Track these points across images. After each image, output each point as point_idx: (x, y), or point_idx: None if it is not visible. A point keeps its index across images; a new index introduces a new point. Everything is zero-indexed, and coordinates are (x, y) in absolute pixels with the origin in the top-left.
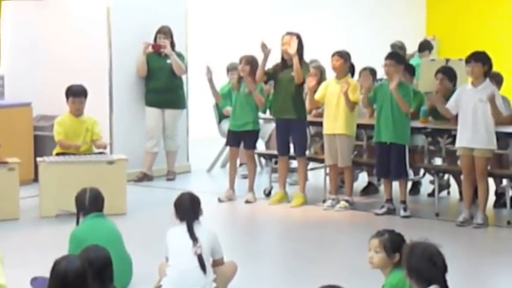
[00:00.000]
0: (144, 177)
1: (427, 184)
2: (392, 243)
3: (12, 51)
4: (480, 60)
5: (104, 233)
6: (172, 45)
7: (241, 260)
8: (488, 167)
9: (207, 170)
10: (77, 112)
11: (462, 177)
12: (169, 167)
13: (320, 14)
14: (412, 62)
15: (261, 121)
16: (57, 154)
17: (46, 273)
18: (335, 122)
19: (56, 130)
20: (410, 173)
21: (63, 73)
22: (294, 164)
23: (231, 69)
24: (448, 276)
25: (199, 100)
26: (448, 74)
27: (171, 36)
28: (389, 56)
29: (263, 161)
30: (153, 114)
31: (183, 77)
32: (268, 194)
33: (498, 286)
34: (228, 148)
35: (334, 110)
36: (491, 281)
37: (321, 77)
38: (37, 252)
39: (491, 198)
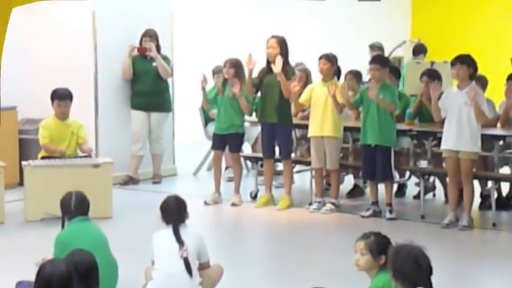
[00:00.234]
0: (130, 181)
1: (412, 186)
2: (378, 245)
3: None
4: (465, 62)
5: (89, 236)
6: (158, 48)
7: (227, 263)
8: (474, 169)
9: (193, 173)
10: (62, 116)
11: (447, 179)
12: (155, 170)
13: (305, 17)
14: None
15: (247, 124)
16: (43, 158)
17: (31, 277)
18: (323, 124)
19: (41, 134)
20: (396, 175)
21: (49, 76)
22: (280, 166)
23: (216, 72)
24: (434, 279)
25: (185, 103)
26: (433, 76)
27: (157, 39)
28: (374, 60)
29: (249, 164)
30: (138, 118)
31: (169, 80)
32: (254, 197)
33: None
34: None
35: (322, 112)
36: (477, 283)
37: (307, 79)
38: (22, 256)
39: (477, 200)
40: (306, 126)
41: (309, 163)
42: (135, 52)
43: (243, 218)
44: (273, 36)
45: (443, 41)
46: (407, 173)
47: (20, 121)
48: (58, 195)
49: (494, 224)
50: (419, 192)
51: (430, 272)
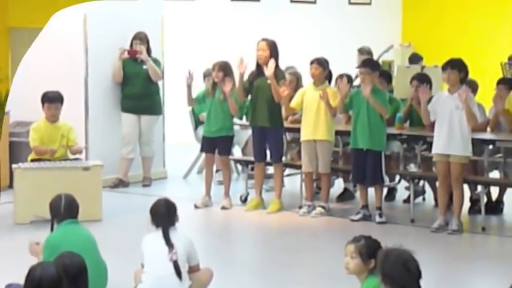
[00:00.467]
0: (120, 184)
1: (402, 190)
2: (368, 249)
3: None
4: (456, 67)
5: (79, 239)
6: (149, 51)
7: (217, 266)
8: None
9: (183, 176)
10: (53, 118)
11: (437, 183)
12: (145, 173)
13: (296, 20)
14: None
15: (237, 127)
16: (32, 160)
17: (21, 280)
18: (315, 128)
19: (31, 136)
20: (386, 179)
21: (39, 79)
22: (271, 170)
23: (207, 75)
24: (423, 282)
25: (176, 106)
26: (423, 80)
27: (147, 42)
28: (364, 64)
29: (239, 167)
30: (129, 120)
31: (159, 83)
32: (244, 200)
33: None
34: (204, 154)
35: (314, 116)
36: (466, 287)
37: (297, 83)
38: (12, 259)
39: (466, 204)
40: (296, 130)
41: (299, 167)
42: (126, 55)
43: (233, 222)
44: (263, 39)
45: (434, 44)
46: (397, 177)
47: (11, 124)
48: (48, 198)
49: (483, 228)
50: (409, 196)
51: (419, 276)
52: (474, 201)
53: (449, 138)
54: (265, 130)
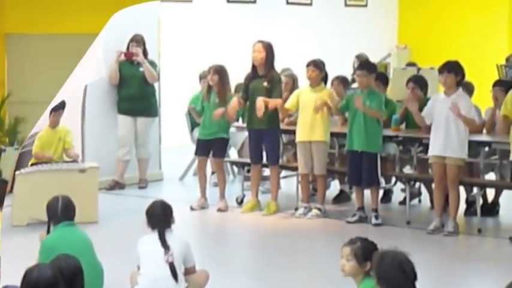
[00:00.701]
0: (116, 185)
1: (398, 192)
2: (364, 251)
3: None
4: (453, 70)
5: (75, 241)
6: (145, 53)
7: (213, 268)
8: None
9: (179, 178)
10: (54, 124)
11: (433, 185)
12: (141, 175)
13: (292, 22)
14: None
15: (233, 129)
16: (32, 164)
17: (17, 282)
18: (312, 129)
19: (34, 144)
20: (382, 181)
21: None
22: (267, 172)
23: (203, 77)
24: (418, 284)
25: (172, 108)
26: (419, 83)
27: (144, 44)
28: (361, 67)
29: (236, 169)
30: (125, 122)
31: (155, 85)
32: (240, 202)
33: None
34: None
35: (311, 117)
36: None
37: (293, 85)
38: (8, 261)
39: (462, 206)
40: (292, 132)
41: (295, 168)
42: (122, 57)
43: (229, 223)
44: (259, 41)
45: (430, 47)
46: (393, 179)
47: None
48: (44, 200)
49: (479, 230)
50: (405, 198)
51: (415, 278)
52: (470, 203)
53: (446, 141)
54: (261, 132)
